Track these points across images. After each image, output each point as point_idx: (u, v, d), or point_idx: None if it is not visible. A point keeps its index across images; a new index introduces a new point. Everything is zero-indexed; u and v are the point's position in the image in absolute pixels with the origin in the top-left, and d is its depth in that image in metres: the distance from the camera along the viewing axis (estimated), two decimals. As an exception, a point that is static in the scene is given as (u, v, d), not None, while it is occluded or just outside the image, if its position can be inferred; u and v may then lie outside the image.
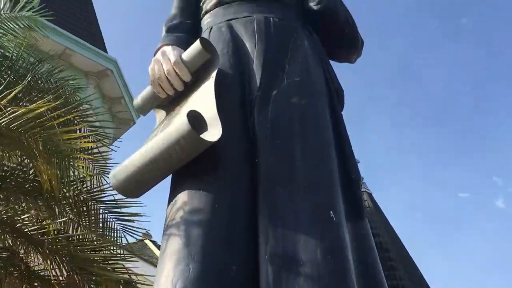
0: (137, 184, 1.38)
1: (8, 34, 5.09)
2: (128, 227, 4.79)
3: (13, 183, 4.48)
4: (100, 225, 4.73)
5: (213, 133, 1.31)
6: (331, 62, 1.81)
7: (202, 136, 1.28)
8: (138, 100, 1.62)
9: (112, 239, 4.73)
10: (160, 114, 1.64)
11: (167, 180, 1.46)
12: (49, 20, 10.47)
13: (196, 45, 1.49)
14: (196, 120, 1.31)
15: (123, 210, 4.77)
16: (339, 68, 1.86)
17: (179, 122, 1.29)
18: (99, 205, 4.76)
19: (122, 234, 4.78)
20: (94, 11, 13.53)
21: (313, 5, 1.77)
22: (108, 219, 4.77)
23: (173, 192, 1.39)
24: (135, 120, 12.48)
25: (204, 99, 1.41)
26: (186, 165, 1.36)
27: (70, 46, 10.46)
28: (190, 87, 1.54)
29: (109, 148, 6.34)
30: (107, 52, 12.16)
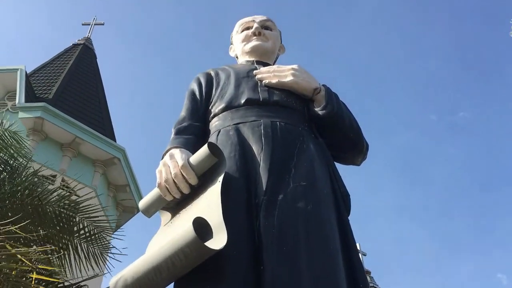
0: None
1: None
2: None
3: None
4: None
5: (219, 240, 1.29)
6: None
7: (207, 244, 1.26)
8: (143, 202, 1.62)
9: None
10: (165, 216, 1.63)
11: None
12: (61, 109, 10.86)
13: (204, 149, 1.52)
14: (202, 227, 1.30)
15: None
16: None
17: (184, 229, 1.28)
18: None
19: None
20: (105, 99, 14.03)
21: (318, 110, 1.82)
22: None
23: (175, 301, 1.34)
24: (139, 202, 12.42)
25: (210, 205, 1.40)
26: (189, 272, 1.32)
27: (80, 135, 10.73)
28: (196, 190, 1.54)
29: (111, 237, 6.25)
30: (115, 140, 12.43)
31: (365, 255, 15.70)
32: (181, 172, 1.52)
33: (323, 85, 1.91)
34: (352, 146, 1.86)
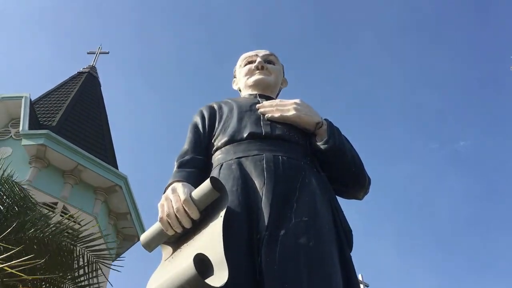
0: None
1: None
2: None
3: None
4: None
5: (220, 277, 1.28)
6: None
7: (208, 281, 1.25)
8: (145, 236, 1.61)
9: None
10: (166, 250, 1.62)
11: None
12: (64, 136, 10.89)
13: (206, 184, 1.52)
14: (203, 264, 1.29)
15: None
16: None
17: (185, 265, 1.27)
18: None
19: None
20: (108, 126, 14.10)
21: (320, 144, 1.83)
22: None
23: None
24: (140, 236, 12.32)
25: (211, 240, 1.40)
26: None
27: (82, 162, 10.73)
28: (198, 225, 1.53)
29: (111, 268, 6.18)
30: (117, 167, 12.43)
31: (367, 286, 15.46)
32: (183, 206, 1.51)
33: (325, 119, 1.93)
34: (354, 180, 1.86)
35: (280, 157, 1.72)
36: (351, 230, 1.67)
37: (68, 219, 9.75)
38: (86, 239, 4.81)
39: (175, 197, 1.55)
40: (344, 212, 1.76)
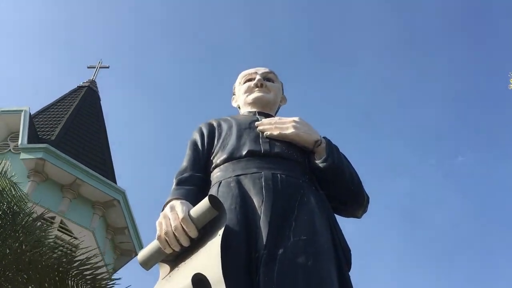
0: None
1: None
2: None
3: None
4: None
5: None
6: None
7: None
8: (142, 255, 1.60)
9: None
10: (164, 268, 1.61)
11: None
12: (63, 150, 10.89)
13: (205, 202, 1.52)
14: (201, 283, 1.28)
15: None
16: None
17: (182, 285, 1.26)
18: None
19: None
20: (107, 140, 14.10)
21: (319, 162, 1.83)
22: None
23: None
24: (137, 251, 12.23)
25: (209, 259, 1.39)
26: None
27: (80, 176, 10.70)
28: (196, 243, 1.53)
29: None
30: (116, 182, 12.39)
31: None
32: (181, 224, 1.51)
33: (323, 137, 1.93)
34: (353, 198, 1.86)
35: (278, 175, 1.72)
36: (350, 250, 1.67)
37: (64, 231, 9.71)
38: (82, 268, 4.74)
39: (173, 215, 1.55)
40: (342, 229, 1.76)
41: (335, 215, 1.81)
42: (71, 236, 9.92)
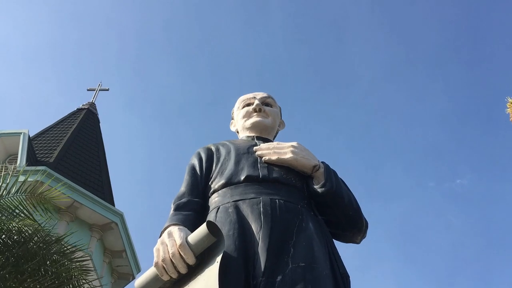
0: None
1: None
2: None
3: None
4: None
5: None
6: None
7: None
8: (139, 282, 1.59)
9: None
10: (161, 296, 1.59)
11: None
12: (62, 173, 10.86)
13: (203, 228, 1.51)
14: None
15: None
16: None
17: None
18: None
19: None
20: (106, 163, 14.07)
21: (317, 187, 1.82)
22: None
23: None
24: (135, 275, 12.10)
25: (207, 286, 1.38)
26: None
27: (78, 199, 10.65)
28: (194, 270, 1.52)
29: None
30: (114, 204, 12.33)
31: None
32: (179, 251, 1.50)
33: (322, 162, 1.93)
34: (352, 224, 1.85)
35: (277, 200, 1.72)
36: (349, 276, 1.65)
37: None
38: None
39: (171, 241, 1.54)
40: (341, 253, 1.74)
41: (334, 240, 1.80)
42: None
